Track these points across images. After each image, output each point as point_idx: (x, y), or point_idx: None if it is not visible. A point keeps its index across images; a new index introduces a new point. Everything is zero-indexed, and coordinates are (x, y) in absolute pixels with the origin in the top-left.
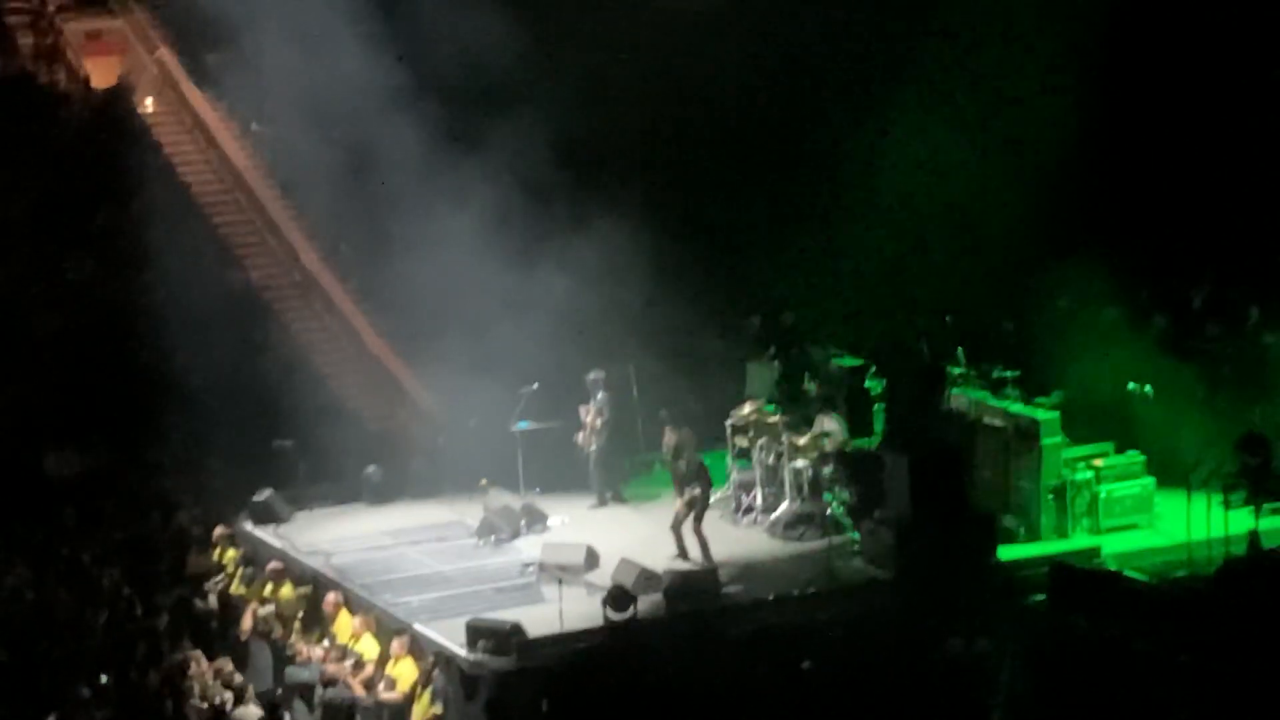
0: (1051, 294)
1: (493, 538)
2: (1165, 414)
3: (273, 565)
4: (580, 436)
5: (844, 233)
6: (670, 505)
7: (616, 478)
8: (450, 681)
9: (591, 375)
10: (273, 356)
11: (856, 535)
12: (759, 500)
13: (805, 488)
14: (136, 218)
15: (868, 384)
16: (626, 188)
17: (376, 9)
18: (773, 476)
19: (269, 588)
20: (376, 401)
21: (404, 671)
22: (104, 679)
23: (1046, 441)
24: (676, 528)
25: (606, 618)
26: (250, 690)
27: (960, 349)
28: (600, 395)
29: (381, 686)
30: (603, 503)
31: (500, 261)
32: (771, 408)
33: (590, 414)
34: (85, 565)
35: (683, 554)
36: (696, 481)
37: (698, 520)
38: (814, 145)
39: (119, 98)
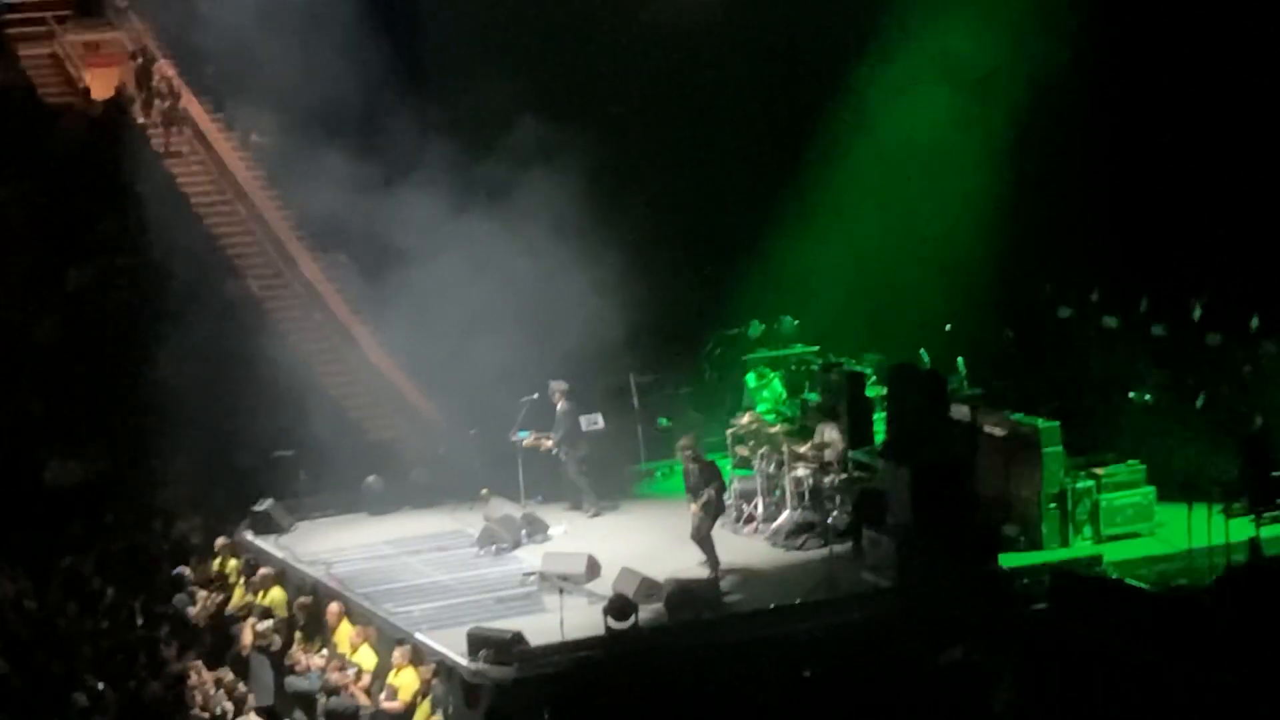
0: (1051, 303)
1: (494, 547)
2: (1165, 423)
3: (263, 571)
4: (540, 445)
5: (845, 240)
6: (671, 514)
7: (604, 487)
8: (451, 691)
9: (551, 385)
10: (273, 366)
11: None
12: (760, 509)
13: (806, 496)
14: (136, 227)
15: (868, 392)
16: (627, 196)
17: (375, 15)
18: (774, 485)
19: (260, 593)
20: (377, 411)
21: (405, 681)
22: (100, 687)
23: (1047, 450)
24: (702, 537)
25: (608, 627)
26: (251, 700)
27: (960, 358)
28: (561, 406)
29: (383, 696)
30: (597, 513)
31: (500, 271)
32: (772, 417)
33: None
34: (86, 575)
35: (713, 561)
36: (708, 487)
37: (708, 527)
38: (814, 151)
39: (118, 108)
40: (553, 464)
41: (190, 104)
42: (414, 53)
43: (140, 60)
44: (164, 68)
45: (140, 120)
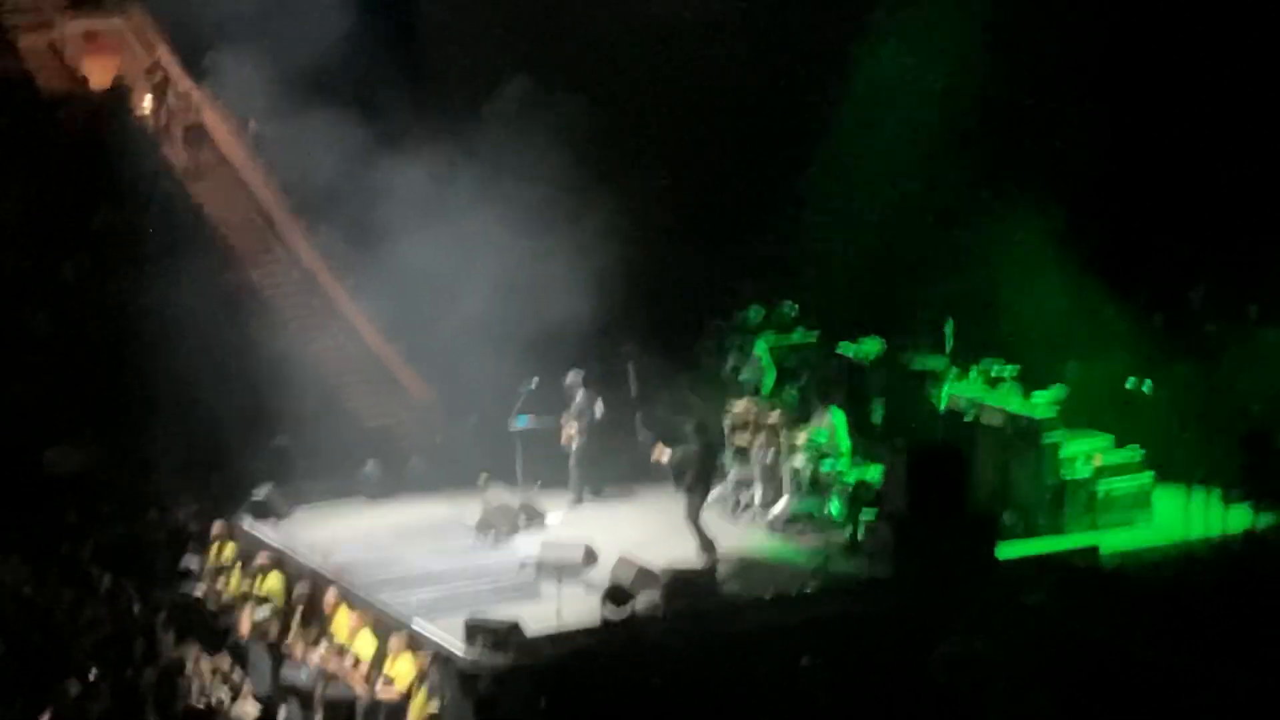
0: (1050, 290)
1: (491, 535)
2: (1164, 411)
3: (261, 558)
4: (563, 436)
5: (844, 225)
6: (668, 502)
7: (596, 475)
8: (447, 679)
9: (570, 376)
10: (270, 354)
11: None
12: (757, 497)
13: (804, 485)
14: (134, 217)
15: (866, 380)
16: (626, 180)
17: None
18: (771, 473)
19: (257, 580)
20: (375, 398)
21: (402, 669)
22: (93, 674)
23: (1045, 440)
24: (690, 519)
25: (604, 615)
26: (247, 688)
27: (959, 346)
28: (580, 395)
29: (380, 684)
30: (579, 500)
31: (500, 257)
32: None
33: (569, 417)
34: (83, 562)
35: (705, 545)
36: (689, 471)
37: (695, 511)
38: (811, 136)
39: (116, 98)
40: (552, 451)
41: (189, 91)
42: (406, 20)
43: (156, 75)
44: (179, 80)
45: (146, 120)
